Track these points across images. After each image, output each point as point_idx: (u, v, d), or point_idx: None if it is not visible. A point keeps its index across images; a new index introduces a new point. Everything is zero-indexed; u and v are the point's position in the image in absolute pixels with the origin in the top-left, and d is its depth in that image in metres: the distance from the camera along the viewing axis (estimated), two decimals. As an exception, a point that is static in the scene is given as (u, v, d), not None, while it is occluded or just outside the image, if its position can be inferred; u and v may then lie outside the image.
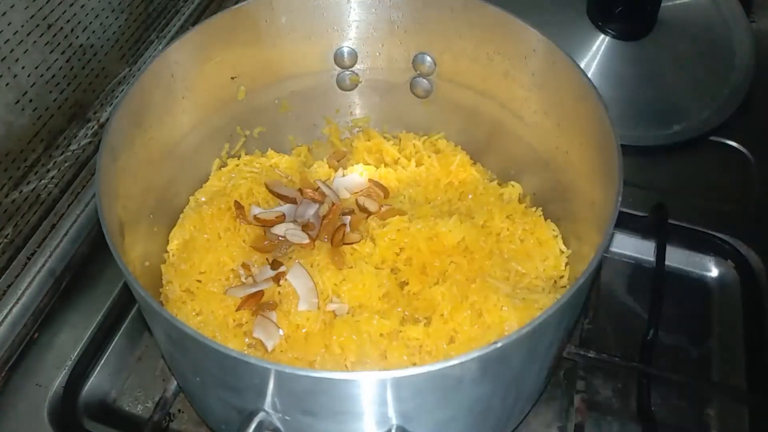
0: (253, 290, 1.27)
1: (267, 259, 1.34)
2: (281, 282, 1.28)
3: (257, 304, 1.27)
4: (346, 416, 0.92)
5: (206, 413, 1.23)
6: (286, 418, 0.92)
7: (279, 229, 1.35)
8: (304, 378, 0.83)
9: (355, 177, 1.47)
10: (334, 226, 1.35)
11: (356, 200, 1.41)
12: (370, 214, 1.39)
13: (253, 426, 0.91)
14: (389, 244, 1.32)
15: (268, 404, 0.91)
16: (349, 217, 1.38)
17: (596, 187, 1.16)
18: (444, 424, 1.00)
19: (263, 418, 0.92)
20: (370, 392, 0.87)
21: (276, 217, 1.36)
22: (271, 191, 1.41)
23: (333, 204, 1.39)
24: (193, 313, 1.26)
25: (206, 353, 0.89)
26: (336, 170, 1.50)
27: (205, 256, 1.32)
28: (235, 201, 1.38)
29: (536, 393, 1.24)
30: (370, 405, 0.89)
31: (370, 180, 1.46)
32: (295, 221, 1.37)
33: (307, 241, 1.33)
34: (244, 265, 1.33)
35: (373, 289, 1.26)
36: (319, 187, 1.42)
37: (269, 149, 1.53)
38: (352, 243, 1.32)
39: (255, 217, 1.36)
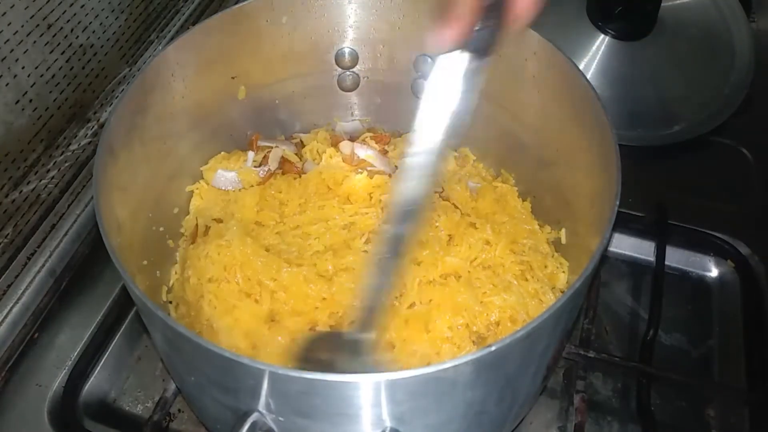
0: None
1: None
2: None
3: None
4: (340, 418, 0.92)
5: (202, 413, 1.23)
6: (280, 419, 0.92)
7: None
8: (298, 379, 0.83)
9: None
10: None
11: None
12: None
13: (246, 426, 0.91)
14: None
15: (262, 405, 0.91)
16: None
17: (596, 188, 1.16)
18: (438, 427, 0.99)
19: (257, 418, 0.91)
20: (364, 394, 0.86)
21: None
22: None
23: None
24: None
25: (200, 353, 0.89)
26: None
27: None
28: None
29: (533, 396, 1.24)
30: (364, 407, 0.88)
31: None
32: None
33: None
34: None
35: None
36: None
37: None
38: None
39: None
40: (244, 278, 1.28)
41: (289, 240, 1.37)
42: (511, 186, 1.46)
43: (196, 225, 1.40)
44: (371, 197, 1.45)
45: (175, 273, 1.37)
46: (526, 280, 1.30)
